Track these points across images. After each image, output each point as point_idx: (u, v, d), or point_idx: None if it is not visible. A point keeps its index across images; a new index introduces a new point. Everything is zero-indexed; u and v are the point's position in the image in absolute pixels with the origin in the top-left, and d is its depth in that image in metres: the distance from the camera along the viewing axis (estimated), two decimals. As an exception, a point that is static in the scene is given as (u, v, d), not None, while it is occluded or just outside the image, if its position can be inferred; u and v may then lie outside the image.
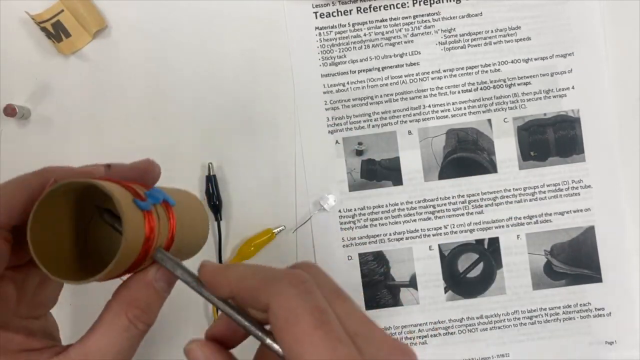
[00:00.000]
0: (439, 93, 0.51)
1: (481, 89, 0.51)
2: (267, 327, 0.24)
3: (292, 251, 0.51)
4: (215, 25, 0.52)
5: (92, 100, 0.52)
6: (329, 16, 0.52)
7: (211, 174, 0.50)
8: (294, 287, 0.23)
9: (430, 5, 0.52)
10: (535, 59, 0.51)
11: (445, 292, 0.51)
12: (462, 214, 0.51)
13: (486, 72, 0.51)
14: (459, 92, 0.51)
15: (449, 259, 0.51)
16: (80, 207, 0.27)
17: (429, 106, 0.51)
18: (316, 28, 0.52)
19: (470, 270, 0.51)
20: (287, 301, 0.22)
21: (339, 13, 0.52)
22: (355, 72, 0.52)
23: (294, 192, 0.51)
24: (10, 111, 0.49)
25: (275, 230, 0.51)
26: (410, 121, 0.51)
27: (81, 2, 0.50)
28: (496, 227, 0.51)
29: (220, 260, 0.51)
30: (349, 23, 0.52)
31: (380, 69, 0.52)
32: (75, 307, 0.33)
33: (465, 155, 0.51)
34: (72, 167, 0.27)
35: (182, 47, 0.52)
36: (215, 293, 0.25)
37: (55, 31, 0.50)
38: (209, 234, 0.50)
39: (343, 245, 0.51)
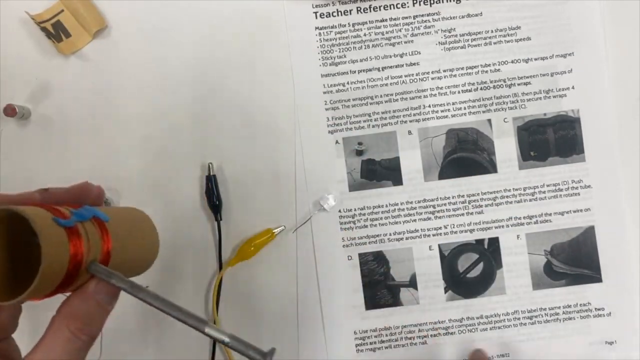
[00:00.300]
0: (439, 93, 0.51)
1: (481, 89, 0.51)
2: None
3: (292, 251, 0.51)
4: (215, 26, 0.52)
5: (92, 100, 0.52)
6: (329, 16, 0.52)
7: (211, 174, 0.51)
8: None
9: (430, 5, 0.52)
10: (535, 59, 0.51)
11: (445, 292, 0.51)
12: (462, 214, 0.51)
13: (486, 72, 0.51)
14: (459, 92, 0.51)
15: (449, 259, 0.51)
16: (23, 233, 0.28)
17: (429, 106, 0.51)
18: (316, 28, 0.52)
19: (470, 270, 0.51)
20: None
21: (339, 13, 0.52)
22: (355, 72, 0.52)
23: (294, 192, 0.51)
24: (10, 111, 0.49)
25: (275, 230, 0.51)
26: (410, 121, 0.51)
27: (81, 2, 0.50)
28: (496, 227, 0.51)
29: (220, 261, 0.51)
30: (349, 23, 0.52)
31: (380, 69, 0.52)
32: (32, 326, 0.33)
33: (465, 155, 0.51)
34: (7, 194, 0.27)
35: (182, 47, 0.52)
36: None
37: (55, 31, 0.50)
38: (209, 238, 0.51)
39: (343, 245, 0.51)
